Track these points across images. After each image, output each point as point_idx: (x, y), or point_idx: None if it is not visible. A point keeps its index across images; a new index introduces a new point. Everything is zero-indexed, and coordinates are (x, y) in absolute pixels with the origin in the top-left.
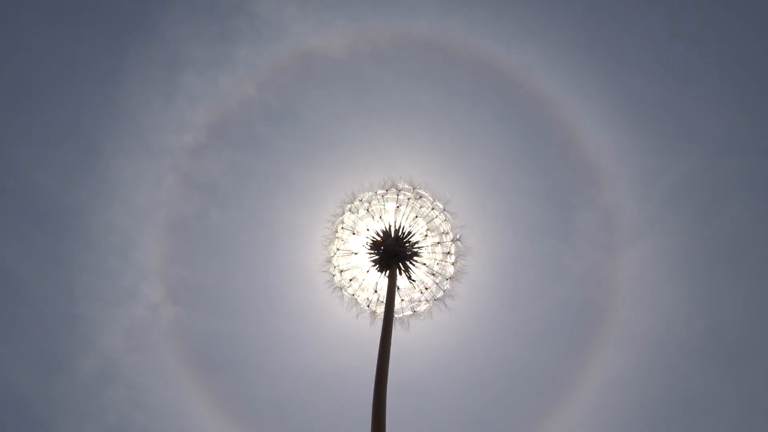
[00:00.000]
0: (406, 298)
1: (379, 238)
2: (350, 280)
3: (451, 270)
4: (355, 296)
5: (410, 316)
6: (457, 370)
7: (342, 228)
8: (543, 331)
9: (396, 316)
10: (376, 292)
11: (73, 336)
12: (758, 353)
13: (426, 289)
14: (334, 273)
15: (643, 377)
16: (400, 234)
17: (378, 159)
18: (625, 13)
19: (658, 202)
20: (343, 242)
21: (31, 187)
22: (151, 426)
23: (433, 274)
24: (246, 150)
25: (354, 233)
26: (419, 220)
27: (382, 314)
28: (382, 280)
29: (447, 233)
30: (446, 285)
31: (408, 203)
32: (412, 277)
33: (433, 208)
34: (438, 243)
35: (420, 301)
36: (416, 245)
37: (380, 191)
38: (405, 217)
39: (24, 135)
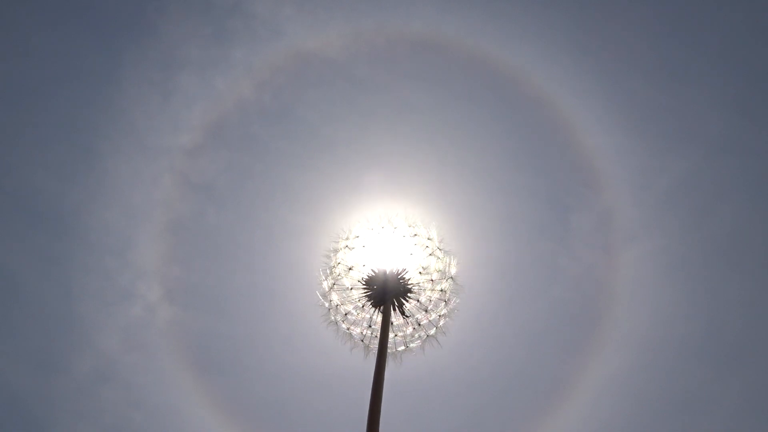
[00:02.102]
0: (400, 334)
1: (374, 274)
2: (345, 314)
3: (443, 308)
4: (350, 331)
5: (403, 351)
6: (453, 371)
7: (337, 263)
8: (539, 332)
9: (389, 351)
10: (370, 327)
11: (69, 335)
12: (755, 353)
13: (419, 325)
14: (329, 307)
15: (640, 378)
16: (395, 271)
17: (374, 160)
18: (622, 13)
19: (655, 203)
20: (338, 277)
21: (27, 187)
22: (148, 426)
23: (426, 311)
24: (242, 150)
25: (350, 269)
26: (414, 257)
27: (376, 349)
28: (377, 315)
29: (441, 271)
30: (440, 322)
31: (404, 240)
32: (406, 314)
33: (427, 246)
34: (432, 280)
35: (413, 336)
36: (410, 282)
37: (376, 228)
38: (400, 254)
39: (21, 135)
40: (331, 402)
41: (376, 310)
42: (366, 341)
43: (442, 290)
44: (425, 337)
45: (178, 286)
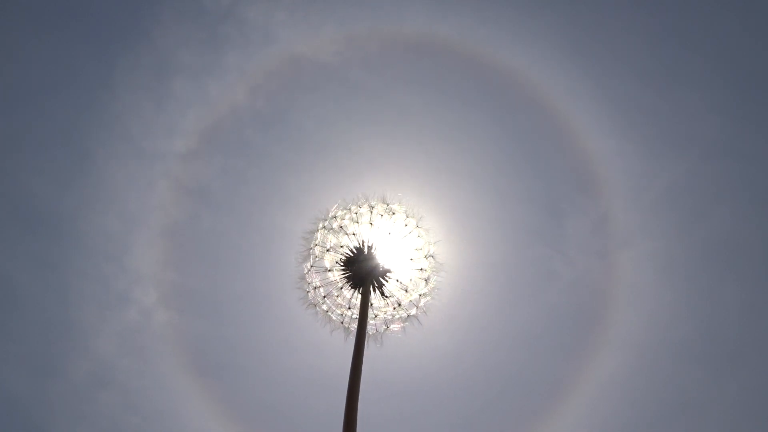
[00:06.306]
0: (380, 314)
1: (352, 255)
2: (324, 296)
3: (423, 286)
4: (329, 313)
5: (384, 332)
6: (447, 374)
7: (315, 245)
8: (535, 336)
9: (369, 332)
10: (350, 308)
11: (66, 340)
12: (750, 356)
13: (399, 305)
14: (308, 290)
15: (637, 381)
16: (373, 251)
17: (368, 163)
18: (618, 17)
19: (651, 207)
20: (316, 259)
21: (24, 192)
22: (145, 430)
23: (407, 291)
24: (237, 155)
25: (327, 250)
26: (392, 236)
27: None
28: (356, 296)
29: (420, 249)
30: (420, 301)
31: (381, 219)
32: (386, 294)
33: (406, 225)
34: (411, 259)
35: (393, 317)
36: (389, 262)
37: (354, 207)
38: (378, 233)
39: (16, 141)
40: (327, 403)
41: (356, 291)
42: (346, 323)
43: (421, 269)
44: (405, 317)
45: (174, 291)
